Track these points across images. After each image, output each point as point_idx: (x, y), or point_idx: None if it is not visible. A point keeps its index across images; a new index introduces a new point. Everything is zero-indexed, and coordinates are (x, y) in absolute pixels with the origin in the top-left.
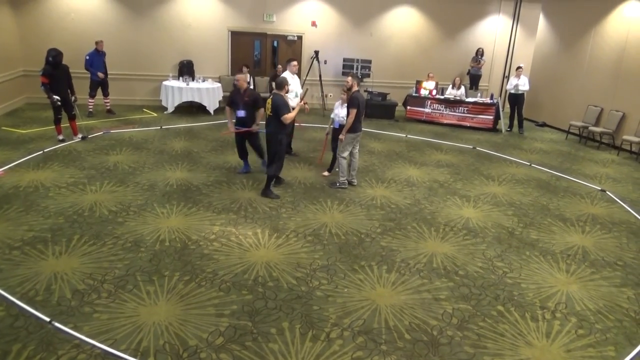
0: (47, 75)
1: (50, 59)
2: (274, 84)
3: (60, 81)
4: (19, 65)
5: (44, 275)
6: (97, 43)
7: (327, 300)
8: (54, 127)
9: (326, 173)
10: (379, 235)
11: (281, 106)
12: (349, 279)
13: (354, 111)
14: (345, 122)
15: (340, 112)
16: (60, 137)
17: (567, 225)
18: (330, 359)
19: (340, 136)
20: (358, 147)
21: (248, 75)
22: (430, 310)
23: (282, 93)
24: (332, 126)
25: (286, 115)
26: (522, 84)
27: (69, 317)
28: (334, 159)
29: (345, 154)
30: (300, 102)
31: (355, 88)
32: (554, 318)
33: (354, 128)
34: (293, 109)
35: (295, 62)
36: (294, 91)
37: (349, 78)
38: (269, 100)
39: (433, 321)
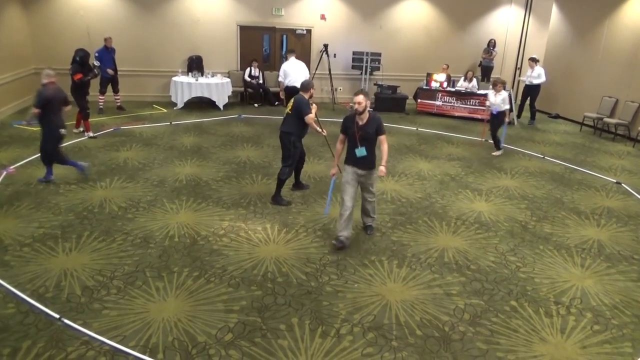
0: (80, 71)
1: (78, 58)
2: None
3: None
4: (30, 63)
5: (54, 272)
6: (106, 40)
7: (337, 295)
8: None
9: (497, 152)
10: (389, 229)
11: (304, 105)
12: (359, 274)
13: (385, 138)
14: (500, 108)
15: (494, 100)
16: (91, 134)
17: (582, 218)
18: (340, 355)
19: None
20: (372, 186)
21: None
22: (442, 305)
23: (307, 96)
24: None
25: (311, 116)
26: (535, 75)
27: (78, 313)
28: (496, 140)
29: (347, 198)
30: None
31: (368, 107)
32: (569, 313)
33: (348, 155)
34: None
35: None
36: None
37: (361, 97)
38: (292, 100)
39: (445, 317)
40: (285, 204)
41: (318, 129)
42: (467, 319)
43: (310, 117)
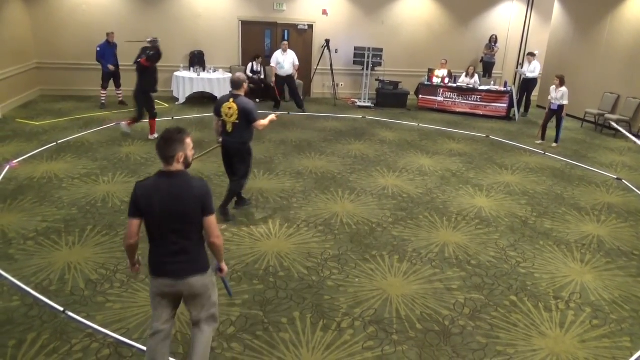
0: (149, 60)
1: (150, 52)
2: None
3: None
4: (32, 57)
5: (58, 266)
6: (108, 35)
7: (338, 290)
8: (69, 118)
9: (539, 141)
10: (390, 224)
11: (252, 110)
12: (360, 269)
13: None
14: (560, 103)
15: (555, 95)
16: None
17: (582, 214)
18: (341, 348)
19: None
20: (203, 312)
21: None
22: (442, 300)
23: (242, 93)
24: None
25: (260, 122)
26: (531, 69)
27: (82, 306)
28: (544, 131)
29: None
30: (275, 117)
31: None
32: (568, 308)
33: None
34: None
35: (285, 42)
36: (282, 64)
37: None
38: (230, 105)
39: (445, 311)
40: (249, 203)
41: (267, 122)
42: (467, 314)
43: (261, 124)
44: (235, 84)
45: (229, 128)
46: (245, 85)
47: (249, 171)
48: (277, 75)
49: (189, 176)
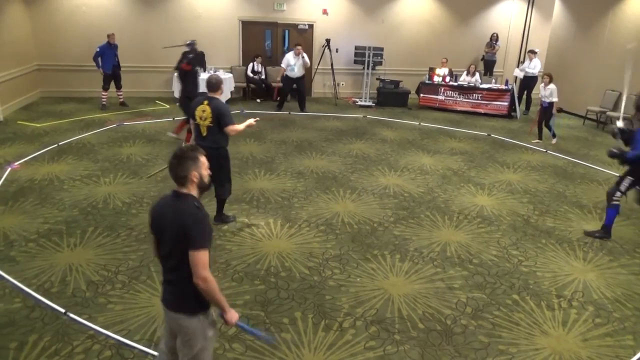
0: (190, 63)
1: (191, 55)
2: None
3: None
4: (33, 59)
5: (59, 267)
6: (109, 36)
7: (339, 289)
8: (70, 120)
9: (536, 140)
10: (392, 224)
11: (226, 113)
12: (362, 269)
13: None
14: (550, 100)
15: (544, 93)
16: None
17: (584, 212)
18: (343, 348)
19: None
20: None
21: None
22: (444, 299)
23: (220, 97)
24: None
25: (234, 127)
26: (532, 67)
27: (83, 308)
28: (541, 130)
29: None
30: (253, 121)
31: None
32: (571, 307)
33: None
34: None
35: (299, 46)
36: (293, 67)
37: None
38: (204, 107)
39: (447, 310)
40: (232, 220)
41: (242, 127)
42: (469, 313)
43: (235, 128)
44: (211, 85)
45: (203, 132)
46: (223, 87)
47: (229, 176)
48: (286, 77)
49: (191, 202)
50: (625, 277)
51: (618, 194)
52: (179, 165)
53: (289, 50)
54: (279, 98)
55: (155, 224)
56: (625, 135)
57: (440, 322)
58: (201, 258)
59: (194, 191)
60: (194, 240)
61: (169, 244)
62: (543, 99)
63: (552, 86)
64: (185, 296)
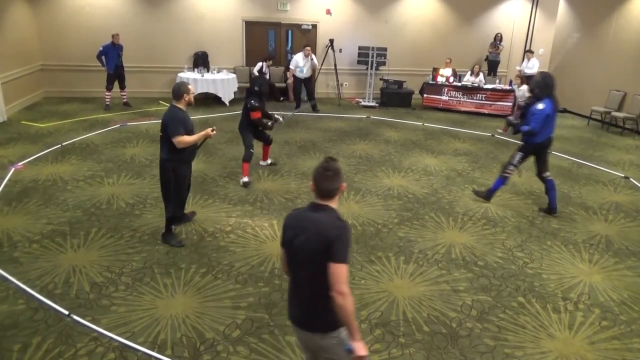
0: (259, 109)
1: (257, 88)
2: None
3: (265, 113)
4: (37, 59)
5: (63, 269)
6: (113, 36)
7: None
8: (73, 120)
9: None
10: (396, 225)
11: (173, 123)
12: (366, 271)
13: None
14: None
15: (518, 94)
16: (246, 179)
17: (590, 213)
18: None
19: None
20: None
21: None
22: (449, 301)
23: (181, 105)
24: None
25: (180, 138)
26: (530, 66)
27: (87, 310)
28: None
29: None
30: (210, 130)
31: None
32: (577, 309)
33: None
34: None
35: (308, 47)
36: (302, 68)
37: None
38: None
39: (452, 313)
40: (177, 245)
41: (193, 138)
42: (475, 315)
43: (183, 140)
44: (174, 93)
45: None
46: (186, 97)
47: (172, 195)
48: (295, 77)
49: (334, 215)
50: (631, 279)
51: (511, 167)
52: (335, 177)
53: (292, 50)
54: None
55: (291, 237)
56: (515, 126)
57: (445, 324)
58: (343, 272)
59: (335, 204)
60: (338, 253)
61: (307, 258)
62: (519, 99)
63: (524, 87)
64: (319, 314)
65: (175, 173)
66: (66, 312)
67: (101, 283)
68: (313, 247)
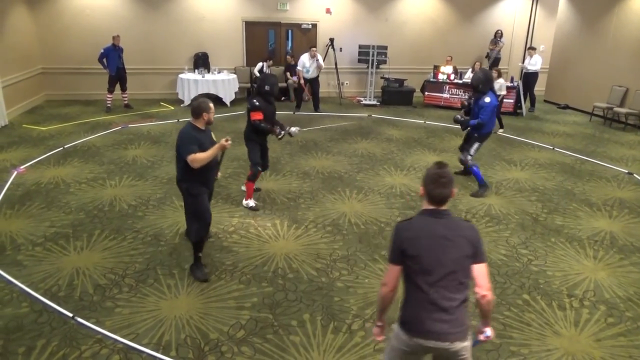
0: (260, 109)
1: (268, 88)
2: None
3: (270, 117)
4: (38, 63)
5: (66, 271)
6: (114, 38)
7: (347, 291)
8: (75, 123)
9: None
10: None
11: (184, 142)
12: (370, 269)
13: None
14: (499, 93)
15: (496, 87)
16: (251, 203)
17: (594, 210)
18: (352, 351)
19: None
20: None
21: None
22: None
23: (200, 124)
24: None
25: (193, 156)
26: (533, 63)
27: (91, 312)
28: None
29: None
30: (225, 141)
31: None
32: (582, 306)
33: None
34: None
35: (314, 48)
36: (308, 68)
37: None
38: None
39: None
40: (202, 279)
41: (207, 155)
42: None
43: (197, 158)
44: (192, 111)
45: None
46: (206, 115)
47: (194, 217)
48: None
49: (456, 216)
50: (637, 276)
51: (469, 157)
52: (449, 184)
53: (292, 50)
54: (307, 98)
55: (426, 248)
56: (463, 123)
57: None
58: (487, 270)
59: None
60: (484, 252)
61: (456, 265)
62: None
63: (500, 80)
64: (463, 320)
65: (189, 192)
66: (70, 315)
67: (105, 285)
68: (464, 253)
